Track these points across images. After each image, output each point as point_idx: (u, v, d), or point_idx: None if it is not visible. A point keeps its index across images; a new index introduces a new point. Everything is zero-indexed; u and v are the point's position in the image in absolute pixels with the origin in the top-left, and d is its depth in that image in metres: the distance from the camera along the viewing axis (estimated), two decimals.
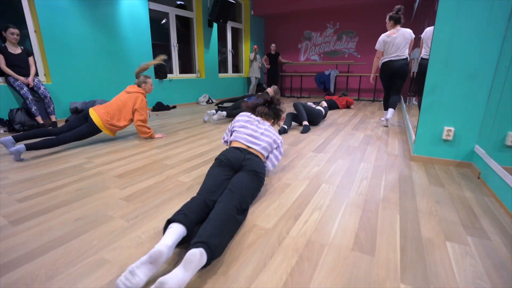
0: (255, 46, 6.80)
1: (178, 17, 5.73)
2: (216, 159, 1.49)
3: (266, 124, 1.75)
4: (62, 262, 1.02)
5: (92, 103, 4.12)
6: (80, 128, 2.57)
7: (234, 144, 1.60)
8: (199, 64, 6.33)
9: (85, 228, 1.25)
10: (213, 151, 2.45)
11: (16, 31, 3.32)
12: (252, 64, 7.06)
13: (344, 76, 7.05)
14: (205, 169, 2.00)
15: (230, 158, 1.44)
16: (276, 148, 1.72)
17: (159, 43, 5.61)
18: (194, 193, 1.60)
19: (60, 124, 3.77)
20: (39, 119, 3.47)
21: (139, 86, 2.91)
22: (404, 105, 5.01)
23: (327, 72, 6.90)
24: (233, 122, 1.78)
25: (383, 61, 3.48)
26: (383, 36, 3.40)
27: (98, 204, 1.47)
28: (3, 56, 3.28)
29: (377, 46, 3.46)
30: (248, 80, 7.78)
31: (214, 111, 3.84)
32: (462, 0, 1.80)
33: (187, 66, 6.27)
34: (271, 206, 1.44)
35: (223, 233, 1.01)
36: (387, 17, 3.44)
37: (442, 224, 1.27)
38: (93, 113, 2.64)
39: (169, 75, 5.66)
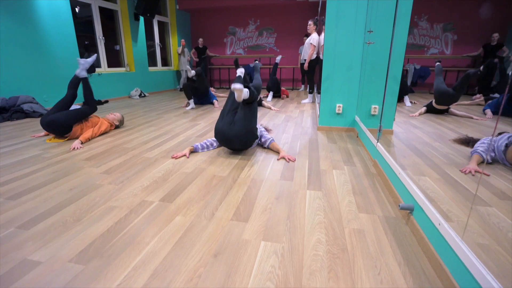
0: (183, 40, 7.05)
1: (102, 10, 5.57)
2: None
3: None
4: (80, 212, 1.39)
5: (14, 100, 3.89)
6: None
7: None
8: (128, 57, 6.28)
9: (83, 192, 1.59)
10: (164, 135, 2.84)
11: None
12: (181, 58, 7.30)
13: (267, 68, 7.93)
14: (165, 146, 2.42)
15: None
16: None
17: (84, 35, 5.39)
18: (162, 163, 2.04)
19: None
20: None
21: None
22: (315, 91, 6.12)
23: (251, 65, 7.65)
24: None
25: (314, 56, 4.54)
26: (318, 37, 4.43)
27: (82, 178, 1.79)
28: None
29: (316, 43, 4.51)
30: (178, 73, 7.97)
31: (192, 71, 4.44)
32: (339, 17, 2.64)
33: (115, 59, 6.14)
34: (223, 164, 2.00)
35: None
36: (313, 23, 4.46)
37: (332, 162, 2.05)
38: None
39: (97, 69, 5.51)
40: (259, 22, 7.89)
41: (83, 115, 2.78)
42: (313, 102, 5.19)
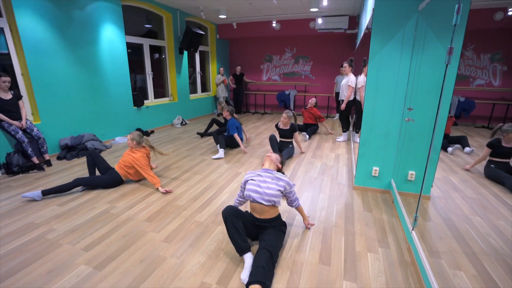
0: (221, 69, 7.52)
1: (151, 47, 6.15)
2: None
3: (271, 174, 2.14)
4: None
5: (80, 138, 4.47)
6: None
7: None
8: (172, 88, 6.82)
9: (151, 268, 1.90)
10: (210, 188, 3.15)
11: (7, 78, 3.59)
12: (219, 86, 7.80)
13: (302, 95, 8.10)
14: (213, 207, 2.71)
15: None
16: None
17: (135, 73, 5.99)
18: (212, 231, 2.31)
19: (53, 161, 4.08)
20: (35, 159, 3.78)
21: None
22: (351, 128, 6.17)
23: (287, 92, 7.88)
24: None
25: (352, 97, 4.77)
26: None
27: (147, 247, 2.11)
28: None
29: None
30: (216, 98, 8.43)
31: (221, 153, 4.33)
32: (378, 90, 2.76)
33: (160, 91, 6.71)
34: None
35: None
36: (348, 64, 4.60)
37: (367, 241, 2.19)
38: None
39: (146, 102, 6.08)
40: (295, 50, 8.11)
41: (111, 180, 3.17)
42: (348, 140, 5.26)
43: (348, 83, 4.76)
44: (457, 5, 1.61)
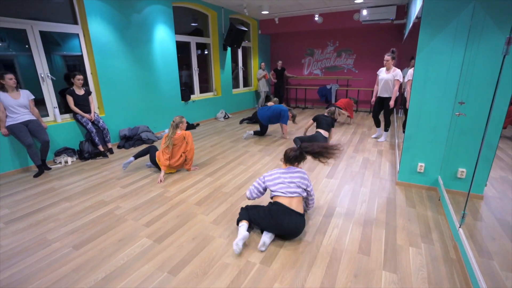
0: (263, 64, 7.65)
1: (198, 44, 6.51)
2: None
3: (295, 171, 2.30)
4: (204, 266, 1.91)
5: (136, 129, 4.97)
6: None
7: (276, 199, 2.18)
8: (216, 83, 7.15)
9: (202, 244, 2.13)
10: (253, 178, 3.33)
11: (81, 76, 4.14)
12: (260, 81, 7.95)
13: (344, 89, 7.91)
14: None
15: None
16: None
17: (183, 69, 6.41)
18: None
19: (114, 150, 4.62)
20: (100, 147, 4.32)
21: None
22: (396, 124, 5.90)
23: (328, 86, 7.75)
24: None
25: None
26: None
27: (198, 227, 2.36)
28: (72, 97, 4.11)
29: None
30: (257, 93, 8.62)
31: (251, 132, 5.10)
32: (427, 80, 2.67)
33: (205, 86, 7.09)
34: (308, 225, 2.34)
35: None
36: (391, 57, 4.30)
37: (409, 236, 2.18)
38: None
39: (192, 96, 6.49)
40: (337, 44, 7.92)
41: (151, 150, 3.57)
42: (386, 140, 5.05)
43: (396, 77, 4.52)
44: None
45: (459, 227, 1.98)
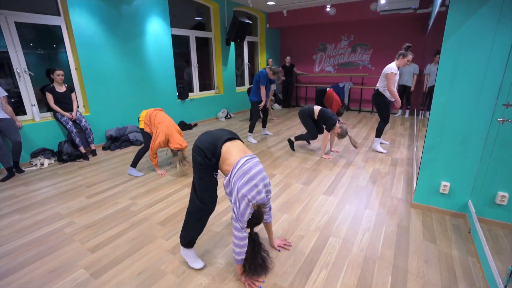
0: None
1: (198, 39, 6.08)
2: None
3: None
4: None
5: (124, 130, 4.59)
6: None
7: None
8: (217, 81, 6.69)
9: (147, 283, 1.66)
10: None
11: (61, 72, 3.79)
12: None
13: (358, 88, 7.19)
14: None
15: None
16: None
17: (180, 65, 6.00)
18: (227, 242, 1.98)
19: (98, 151, 4.27)
20: (82, 148, 3.96)
21: None
22: (415, 128, 5.17)
23: (341, 85, 7.07)
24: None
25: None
26: None
27: (151, 256, 1.88)
28: (52, 95, 3.77)
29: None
30: None
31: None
32: (456, 74, 2.04)
33: (206, 83, 6.64)
34: (287, 263, 1.80)
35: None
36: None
37: (425, 286, 1.59)
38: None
39: (190, 94, 6.06)
40: (352, 38, 7.21)
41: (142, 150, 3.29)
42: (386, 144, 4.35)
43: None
44: None
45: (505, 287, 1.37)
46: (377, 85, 3.83)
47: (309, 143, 4.42)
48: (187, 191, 2.85)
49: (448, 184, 2.25)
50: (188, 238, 1.74)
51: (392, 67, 3.56)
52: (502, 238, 1.94)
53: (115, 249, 1.97)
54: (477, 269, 1.72)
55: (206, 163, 1.59)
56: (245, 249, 1.53)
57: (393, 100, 3.72)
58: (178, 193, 2.81)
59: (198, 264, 1.76)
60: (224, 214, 2.40)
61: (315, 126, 3.85)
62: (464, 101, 2.04)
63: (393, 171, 3.27)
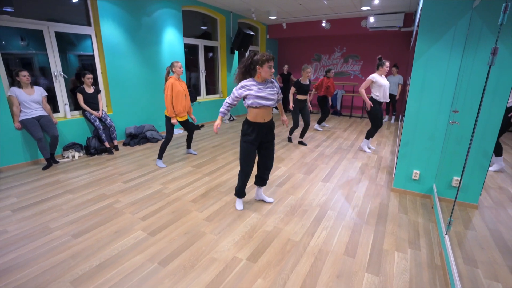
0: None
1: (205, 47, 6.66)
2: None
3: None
4: (193, 259, 1.99)
5: (142, 128, 5.12)
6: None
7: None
8: (222, 86, 7.28)
9: (193, 239, 2.21)
10: (252, 179, 3.40)
11: (91, 76, 4.31)
12: None
13: (350, 95, 7.91)
14: (250, 195, 2.95)
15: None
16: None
17: (190, 71, 6.56)
18: (248, 216, 2.56)
19: (120, 147, 4.78)
20: (107, 144, 4.47)
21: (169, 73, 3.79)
22: (399, 131, 5.87)
23: (334, 92, 7.75)
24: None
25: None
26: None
27: (191, 223, 2.44)
28: (82, 95, 4.29)
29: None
30: None
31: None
32: (424, 88, 2.69)
33: (211, 88, 7.22)
34: (297, 226, 2.39)
35: None
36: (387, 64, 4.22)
37: (397, 241, 2.20)
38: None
39: (198, 97, 6.63)
40: (345, 50, 7.95)
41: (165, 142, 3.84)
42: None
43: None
44: (504, 4, 1.57)
45: (446, 234, 1.99)
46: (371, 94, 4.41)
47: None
48: (208, 178, 3.41)
49: (418, 172, 2.89)
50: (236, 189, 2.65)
51: (373, 75, 4.16)
52: (456, 212, 2.59)
53: (161, 219, 2.52)
54: (434, 230, 2.35)
55: None
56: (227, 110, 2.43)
57: (384, 100, 4.25)
58: (201, 180, 3.37)
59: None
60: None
61: (298, 117, 4.86)
62: (430, 106, 2.70)
63: (378, 165, 3.92)
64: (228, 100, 2.44)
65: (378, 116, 4.34)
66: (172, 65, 3.71)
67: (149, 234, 2.27)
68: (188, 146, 4.39)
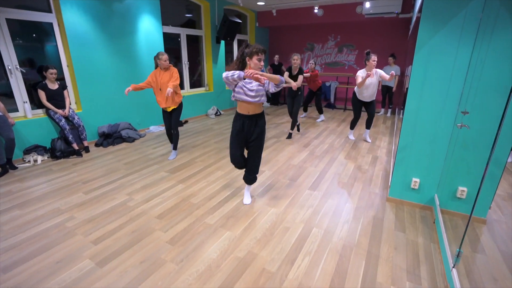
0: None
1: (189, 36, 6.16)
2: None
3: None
4: None
5: (116, 126, 4.68)
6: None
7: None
8: (208, 78, 6.80)
9: (148, 271, 1.84)
10: (228, 187, 3.02)
11: (54, 70, 3.84)
12: None
13: (344, 87, 7.48)
14: (225, 208, 2.58)
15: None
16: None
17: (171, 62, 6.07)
18: (220, 234, 2.18)
19: (91, 148, 4.35)
20: (75, 145, 4.04)
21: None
22: (396, 126, 5.49)
23: (327, 83, 7.33)
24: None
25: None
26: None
27: (151, 247, 2.06)
28: (44, 92, 3.82)
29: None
30: None
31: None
32: (426, 82, 2.29)
33: (196, 80, 6.75)
34: (275, 251, 2.02)
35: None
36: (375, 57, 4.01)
37: (393, 270, 1.84)
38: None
39: (181, 91, 6.15)
40: (339, 38, 7.47)
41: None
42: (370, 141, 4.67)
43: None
44: None
45: (453, 267, 1.63)
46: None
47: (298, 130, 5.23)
48: (181, 187, 3.02)
49: (418, 180, 2.52)
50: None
51: (360, 72, 4.12)
52: (461, 227, 2.24)
53: (117, 241, 2.13)
54: (437, 254, 1.99)
55: None
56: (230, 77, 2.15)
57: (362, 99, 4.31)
58: (173, 189, 2.97)
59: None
60: (218, 207, 2.59)
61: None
62: (433, 106, 2.30)
63: (372, 168, 3.55)
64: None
65: (356, 109, 4.54)
66: (157, 56, 3.56)
67: (97, 265, 1.89)
68: (174, 148, 3.97)
